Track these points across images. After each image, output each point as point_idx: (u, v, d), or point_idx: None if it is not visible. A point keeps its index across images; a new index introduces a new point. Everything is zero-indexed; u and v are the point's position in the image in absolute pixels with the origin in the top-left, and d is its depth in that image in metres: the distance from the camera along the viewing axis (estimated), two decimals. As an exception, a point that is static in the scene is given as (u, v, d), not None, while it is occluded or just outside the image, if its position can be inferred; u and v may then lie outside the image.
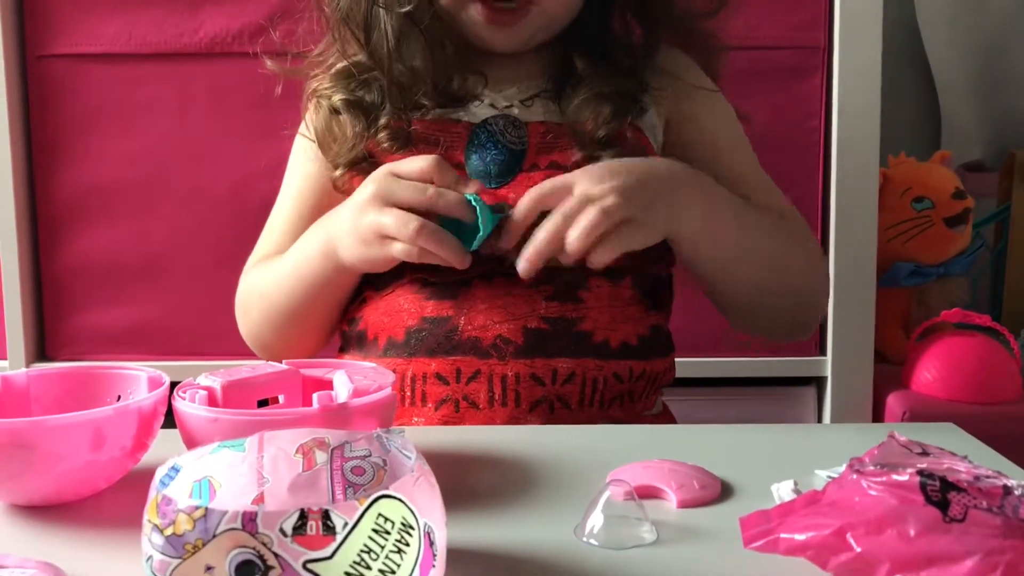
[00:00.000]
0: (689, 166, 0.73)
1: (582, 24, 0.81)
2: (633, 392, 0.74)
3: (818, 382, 1.14)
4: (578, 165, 0.74)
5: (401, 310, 0.74)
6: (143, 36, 1.10)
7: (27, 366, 1.13)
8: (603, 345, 0.72)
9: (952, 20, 1.53)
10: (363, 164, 0.77)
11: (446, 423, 0.71)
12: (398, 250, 0.68)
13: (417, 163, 0.69)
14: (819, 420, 1.13)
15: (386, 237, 0.68)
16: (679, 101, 0.81)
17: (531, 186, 0.72)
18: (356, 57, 0.81)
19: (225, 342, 1.12)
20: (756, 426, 0.66)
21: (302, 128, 0.85)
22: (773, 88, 1.09)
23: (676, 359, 0.78)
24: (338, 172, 0.79)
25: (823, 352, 1.12)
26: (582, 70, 0.78)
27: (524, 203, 0.67)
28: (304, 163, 0.84)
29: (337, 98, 0.80)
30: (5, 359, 1.14)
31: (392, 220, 0.67)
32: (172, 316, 1.14)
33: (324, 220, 0.77)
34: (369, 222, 0.69)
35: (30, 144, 1.13)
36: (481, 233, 0.66)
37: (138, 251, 1.14)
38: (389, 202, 0.68)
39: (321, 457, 0.42)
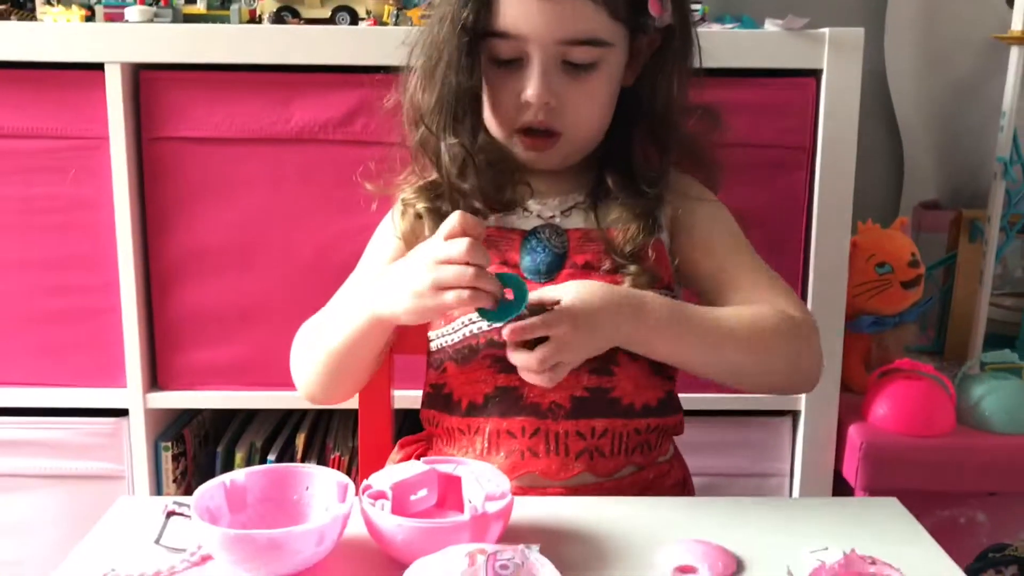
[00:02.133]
0: (652, 300, 0.91)
1: (611, 146, 1.03)
2: (650, 442, 0.98)
3: (793, 414, 1.39)
4: (609, 271, 0.96)
5: (478, 380, 0.96)
6: (242, 124, 1.28)
7: (144, 394, 1.35)
8: (629, 407, 0.96)
9: (917, 76, 1.75)
10: None
11: (513, 468, 0.94)
12: (451, 297, 0.83)
13: (448, 223, 0.86)
14: (793, 446, 1.39)
15: (440, 289, 0.84)
16: (682, 216, 1.01)
17: (571, 280, 0.93)
18: (431, 177, 1.03)
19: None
20: (760, 500, 0.89)
21: (385, 223, 1.07)
22: (766, 179, 1.31)
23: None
24: None
25: (798, 390, 1.37)
26: (613, 187, 1.00)
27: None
28: (379, 259, 1.05)
29: (420, 206, 1.01)
30: (126, 387, 1.35)
31: (452, 272, 0.83)
32: (264, 355, 1.35)
33: (366, 288, 0.96)
34: (428, 278, 0.84)
35: (144, 213, 1.32)
36: (516, 311, 0.85)
37: (236, 302, 1.33)
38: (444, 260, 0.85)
39: (480, 559, 0.67)
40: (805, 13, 1.35)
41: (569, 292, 0.89)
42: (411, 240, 1.02)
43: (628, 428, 0.96)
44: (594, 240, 0.99)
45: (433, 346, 1.03)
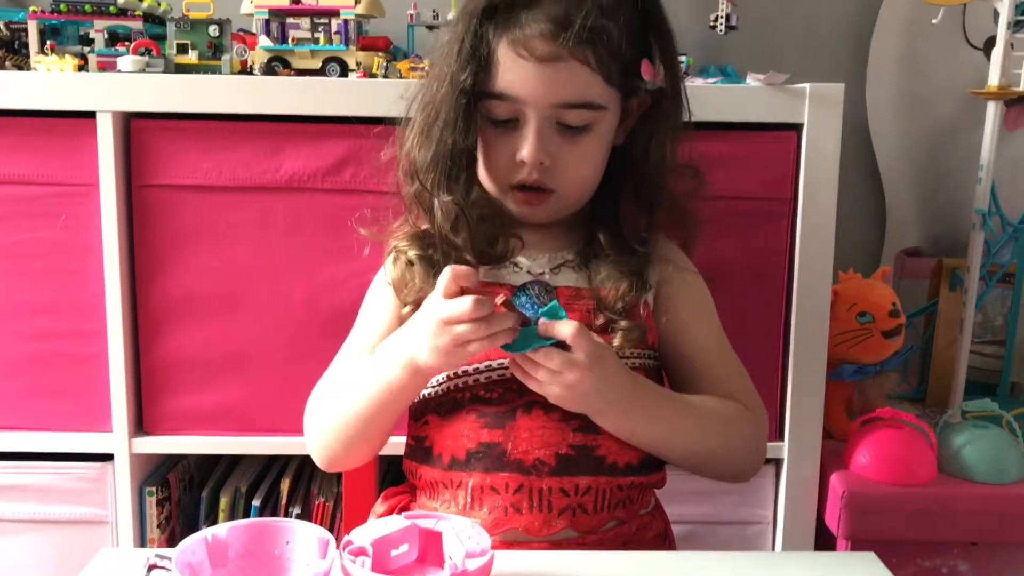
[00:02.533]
0: (640, 380, 0.96)
1: (601, 204, 1.05)
2: (632, 497, 0.99)
3: (776, 462, 1.39)
4: (600, 327, 0.98)
5: (461, 435, 0.97)
6: (232, 172, 1.29)
7: (129, 439, 1.35)
8: (613, 465, 0.97)
9: (899, 126, 1.78)
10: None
11: (496, 524, 0.95)
12: (474, 349, 0.88)
13: (442, 281, 0.89)
14: (776, 494, 1.40)
15: (462, 344, 0.88)
16: (667, 282, 1.04)
17: None
18: (424, 226, 1.05)
19: (292, 422, 1.34)
20: (739, 555, 0.91)
21: (380, 274, 1.08)
22: (749, 229, 1.32)
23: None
24: (406, 309, 1.01)
25: (781, 438, 1.37)
26: (604, 244, 1.02)
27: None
28: (380, 308, 1.06)
29: (412, 253, 1.03)
30: (111, 432, 1.35)
31: (466, 330, 0.87)
32: (250, 400, 1.35)
33: (396, 339, 0.97)
34: (447, 338, 0.88)
35: (133, 259, 1.32)
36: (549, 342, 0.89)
37: (222, 348, 1.34)
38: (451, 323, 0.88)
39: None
40: (790, 64, 1.38)
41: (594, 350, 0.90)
42: (400, 287, 1.03)
43: (611, 485, 0.97)
44: (584, 298, 1.00)
45: None
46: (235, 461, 1.52)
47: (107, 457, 1.37)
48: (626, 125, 1.04)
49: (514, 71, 0.95)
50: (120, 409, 1.34)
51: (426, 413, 1.01)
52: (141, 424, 1.38)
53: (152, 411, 1.37)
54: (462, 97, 0.96)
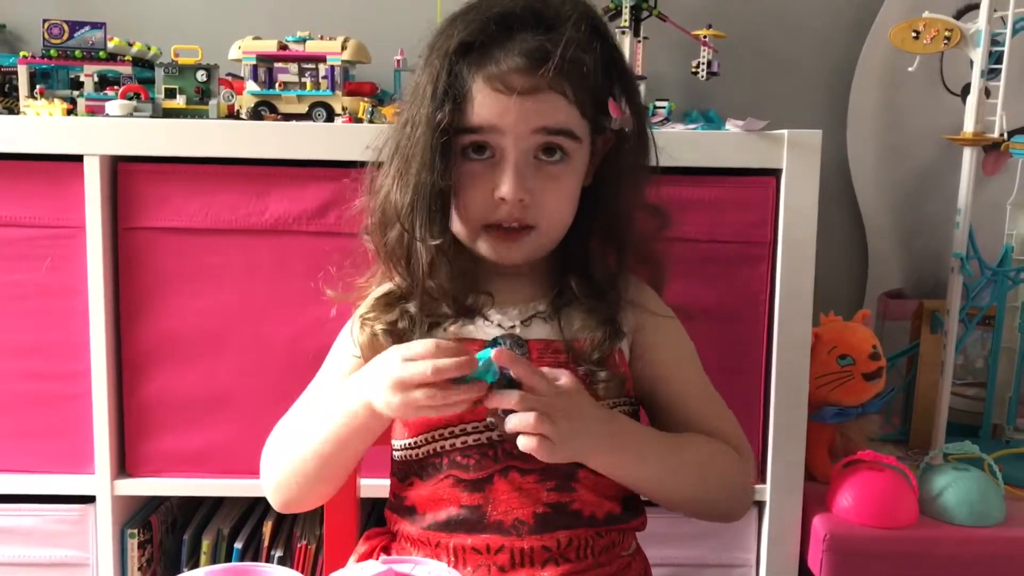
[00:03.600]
0: (621, 416, 0.97)
1: (569, 250, 1.04)
2: (614, 541, 1.00)
3: (759, 505, 1.39)
4: (581, 379, 0.95)
5: (442, 499, 0.98)
6: (217, 215, 1.31)
7: (112, 480, 1.35)
8: (591, 518, 0.98)
9: (879, 169, 1.81)
10: None
11: None
12: (429, 414, 0.89)
13: (420, 348, 0.89)
14: (759, 536, 1.40)
15: (417, 407, 0.88)
16: (642, 329, 1.05)
17: None
18: (390, 284, 1.05)
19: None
20: None
21: (347, 329, 1.07)
22: (730, 272, 1.33)
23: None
24: None
25: (764, 481, 1.37)
26: (576, 289, 1.02)
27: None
28: (342, 363, 1.07)
29: (379, 326, 1.02)
30: (94, 473, 1.35)
31: (423, 395, 0.87)
32: (233, 443, 1.35)
33: (354, 382, 0.96)
34: (400, 398, 0.88)
35: (118, 301, 1.33)
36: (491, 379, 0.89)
37: (206, 390, 1.34)
38: (407, 386, 0.88)
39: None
40: (773, 110, 1.40)
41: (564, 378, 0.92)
42: (369, 356, 1.01)
43: (590, 534, 0.98)
44: (557, 351, 1.00)
45: (396, 455, 1.04)
46: (217, 503, 1.52)
47: (89, 499, 1.37)
48: (593, 163, 1.03)
49: (491, 104, 0.94)
50: (103, 450, 1.34)
51: (409, 475, 1.01)
52: (123, 466, 1.38)
53: (135, 452, 1.37)
54: (439, 136, 0.94)
